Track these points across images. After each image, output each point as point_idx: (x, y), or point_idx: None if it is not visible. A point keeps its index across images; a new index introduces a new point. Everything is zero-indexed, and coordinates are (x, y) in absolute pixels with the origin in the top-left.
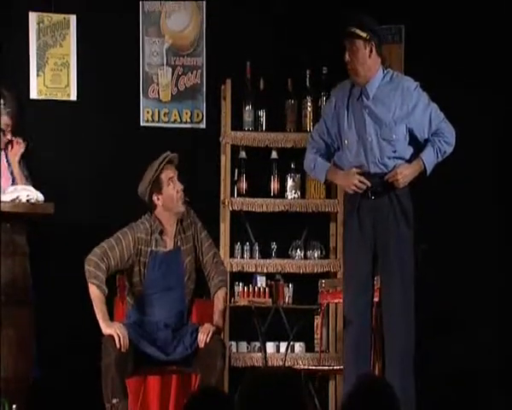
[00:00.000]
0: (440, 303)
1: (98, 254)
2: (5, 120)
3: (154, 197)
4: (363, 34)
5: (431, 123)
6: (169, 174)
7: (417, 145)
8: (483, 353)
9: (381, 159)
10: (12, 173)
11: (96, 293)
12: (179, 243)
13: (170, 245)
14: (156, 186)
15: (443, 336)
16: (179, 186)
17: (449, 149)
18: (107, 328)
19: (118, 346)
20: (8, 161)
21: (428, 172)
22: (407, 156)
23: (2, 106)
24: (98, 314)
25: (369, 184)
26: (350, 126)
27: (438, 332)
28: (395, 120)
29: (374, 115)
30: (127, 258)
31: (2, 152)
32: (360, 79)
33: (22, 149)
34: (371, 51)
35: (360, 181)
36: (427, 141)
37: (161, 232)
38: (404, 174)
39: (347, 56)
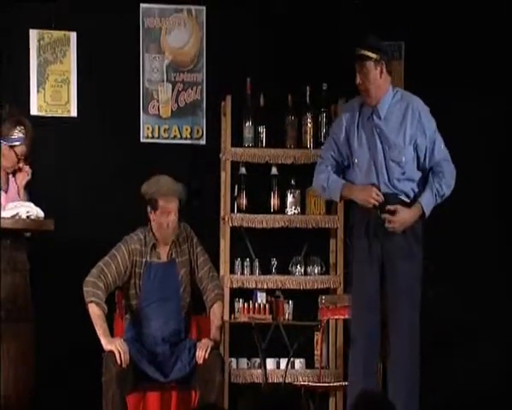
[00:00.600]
0: (443, 324)
1: (95, 273)
2: (23, 149)
3: (148, 209)
4: (374, 55)
5: (434, 152)
6: (167, 206)
7: (422, 168)
8: (486, 373)
9: (390, 180)
10: (18, 196)
11: (95, 310)
12: (174, 254)
13: (164, 257)
14: (153, 205)
15: (445, 355)
16: (172, 220)
17: (448, 192)
18: (108, 344)
19: (119, 362)
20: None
21: (427, 215)
22: (416, 178)
23: (23, 136)
24: (99, 331)
25: (383, 198)
26: (360, 146)
27: (440, 352)
28: (405, 140)
29: (384, 136)
30: (124, 271)
31: (11, 176)
32: (372, 99)
33: (28, 177)
34: (382, 71)
35: (377, 194)
36: (426, 171)
37: (154, 246)
38: (402, 222)
39: (359, 79)
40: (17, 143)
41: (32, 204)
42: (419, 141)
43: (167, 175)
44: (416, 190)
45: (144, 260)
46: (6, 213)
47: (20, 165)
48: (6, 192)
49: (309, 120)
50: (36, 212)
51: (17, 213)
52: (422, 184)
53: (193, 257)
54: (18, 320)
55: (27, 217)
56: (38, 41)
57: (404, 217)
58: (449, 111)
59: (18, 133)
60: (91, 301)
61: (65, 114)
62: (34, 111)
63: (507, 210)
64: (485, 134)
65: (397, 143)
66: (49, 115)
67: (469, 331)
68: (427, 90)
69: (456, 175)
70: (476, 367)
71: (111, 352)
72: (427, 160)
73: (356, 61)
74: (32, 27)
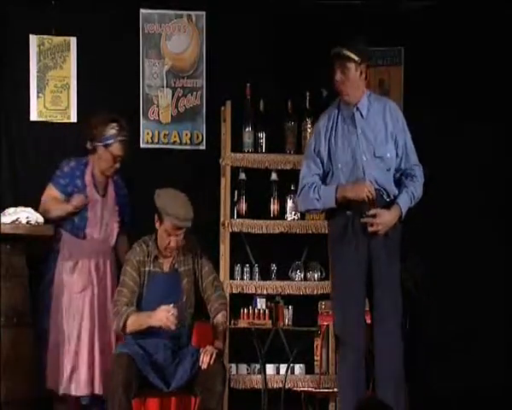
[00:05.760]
0: (439, 325)
1: (118, 308)
2: (118, 147)
3: (156, 217)
4: (356, 58)
5: (409, 155)
6: (173, 231)
7: (398, 169)
8: (485, 372)
9: (376, 177)
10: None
11: (132, 321)
12: (177, 264)
13: (167, 267)
14: (160, 218)
15: (442, 357)
16: (175, 241)
17: (420, 193)
18: (155, 317)
19: (172, 327)
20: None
21: (403, 216)
22: (395, 177)
23: (116, 132)
24: (143, 324)
25: (374, 193)
26: (343, 150)
27: (437, 354)
28: (387, 136)
29: (367, 133)
30: (137, 286)
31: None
32: (349, 98)
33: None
34: (361, 74)
35: (370, 188)
36: (400, 172)
37: (157, 256)
38: (384, 224)
39: (338, 76)
40: (110, 141)
41: (31, 209)
42: (399, 140)
43: (173, 187)
44: (395, 189)
45: (147, 269)
46: (6, 219)
47: (117, 166)
48: (104, 196)
49: (309, 126)
50: (36, 217)
51: (17, 219)
52: (397, 184)
53: (197, 267)
54: (17, 326)
55: (27, 222)
56: (38, 46)
57: (385, 219)
58: (448, 116)
59: (110, 130)
60: (126, 319)
61: (65, 120)
62: (34, 117)
63: (503, 212)
64: (484, 140)
65: (380, 138)
66: (49, 121)
67: (468, 332)
68: (426, 95)
69: (453, 178)
70: (476, 367)
71: (120, 356)
72: (403, 161)
73: (337, 59)
74: (32, 33)
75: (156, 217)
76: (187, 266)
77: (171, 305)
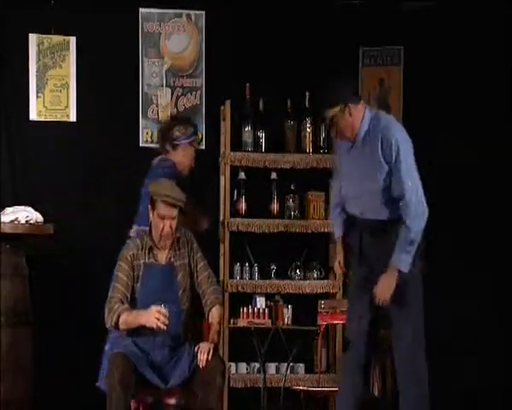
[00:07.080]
0: (439, 326)
1: (110, 304)
2: (196, 145)
3: (149, 207)
4: (337, 110)
5: (395, 183)
6: (163, 212)
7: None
8: (483, 373)
9: (371, 208)
10: None
11: (124, 318)
12: (172, 258)
13: (162, 259)
14: (152, 204)
15: (442, 358)
16: (168, 226)
17: (415, 235)
18: (148, 319)
19: (161, 327)
20: None
21: (406, 270)
22: (395, 203)
23: (194, 130)
24: (134, 321)
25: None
26: (345, 177)
27: (437, 355)
28: (380, 168)
29: (361, 166)
30: (131, 282)
31: None
32: (351, 137)
33: None
34: (350, 114)
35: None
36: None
37: (151, 248)
38: (384, 289)
39: (333, 132)
40: (193, 138)
41: (31, 209)
42: (388, 169)
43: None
44: (385, 212)
45: (142, 261)
46: (5, 218)
47: (193, 164)
48: None
49: (308, 125)
50: (35, 216)
51: (16, 218)
52: (397, 208)
53: (192, 262)
54: (17, 325)
55: (26, 222)
56: (38, 46)
57: (382, 284)
58: (447, 116)
59: (191, 128)
60: (118, 316)
61: (64, 119)
62: (33, 116)
63: (504, 211)
64: (485, 137)
65: (372, 171)
66: (49, 120)
67: (469, 333)
68: (425, 95)
69: (453, 178)
70: (477, 367)
71: (117, 355)
72: (391, 190)
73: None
74: (32, 32)
75: (150, 207)
76: (182, 260)
77: (162, 306)
